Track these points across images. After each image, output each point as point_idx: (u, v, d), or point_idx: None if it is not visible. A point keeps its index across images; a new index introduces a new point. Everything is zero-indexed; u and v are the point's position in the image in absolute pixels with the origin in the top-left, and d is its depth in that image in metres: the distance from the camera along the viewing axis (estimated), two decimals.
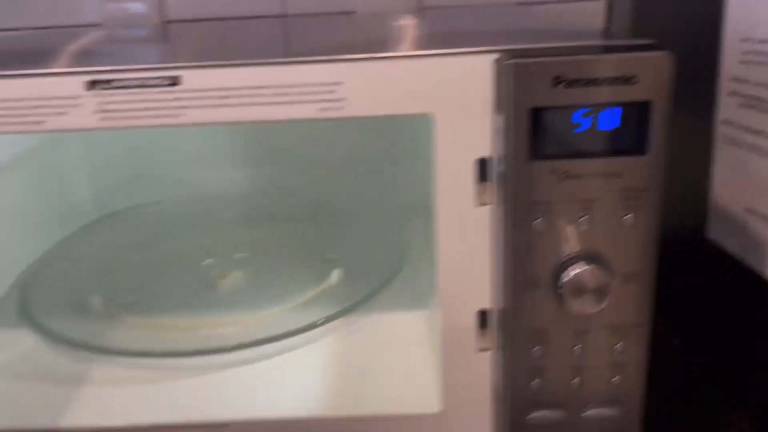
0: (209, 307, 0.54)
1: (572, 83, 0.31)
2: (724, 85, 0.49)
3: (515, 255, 0.35)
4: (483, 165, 0.36)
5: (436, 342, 0.47)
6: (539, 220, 0.34)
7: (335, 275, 0.56)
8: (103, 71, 0.35)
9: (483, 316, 0.39)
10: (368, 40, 0.42)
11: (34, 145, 0.62)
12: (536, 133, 0.33)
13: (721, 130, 0.50)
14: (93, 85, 0.35)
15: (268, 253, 0.62)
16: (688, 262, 0.56)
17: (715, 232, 0.52)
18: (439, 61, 0.34)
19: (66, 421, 0.42)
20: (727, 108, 0.49)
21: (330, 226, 0.67)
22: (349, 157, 0.73)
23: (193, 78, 0.35)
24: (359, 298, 0.51)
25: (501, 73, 0.33)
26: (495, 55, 0.34)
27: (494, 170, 0.35)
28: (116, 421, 0.42)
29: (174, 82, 0.35)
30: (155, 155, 0.74)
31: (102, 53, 0.46)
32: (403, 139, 0.72)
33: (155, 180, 0.74)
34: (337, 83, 0.35)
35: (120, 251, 0.64)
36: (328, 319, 0.49)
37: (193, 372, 0.46)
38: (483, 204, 0.36)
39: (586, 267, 0.34)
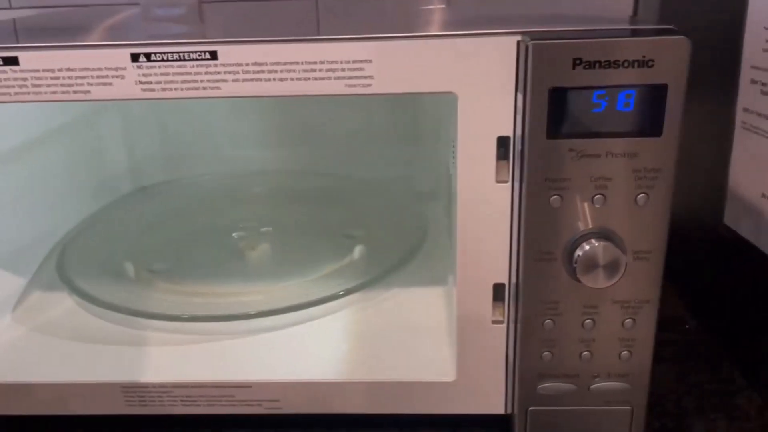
0: (237, 276, 0.56)
1: (591, 65, 0.33)
2: (745, 72, 0.50)
3: (531, 229, 0.36)
4: (504, 143, 0.37)
5: (453, 315, 0.49)
6: (555, 196, 0.35)
7: (357, 251, 0.58)
8: (146, 44, 0.37)
9: (498, 290, 0.40)
10: (396, 23, 0.43)
11: (74, 118, 0.65)
12: (555, 113, 0.34)
13: (740, 118, 0.51)
14: (136, 57, 0.37)
15: (293, 227, 0.64)
16: (704, 247, 0.57)
17: (731, 218, 0.53)
18: (464, 41, 0.36)
19: (97, 376, 0.45)
20: (747, 96, 0.50)
21: (354, 204, 0.69)
22: (375, 137, 0.75)
23: (230, 53, 0.37)
24: (379, 273, 0.53)
25: (522, 54, 0.34)
26: (517, 37, 0.35)
27: (515, 148, 0.37)
28: (145, 377, 0.45)
29: (212, 56, 0.37)
30: (188, 133, 0.76)
31: (143, 29, 0.48)
32: (427, 120, 0.74)
33: (188, 157, 0.77)
34: (365, 61, 0.36)
35: (153, 222, 0.67)
36: (349, 292, 0.51)
37: (219, 336, 0.49)
38: (502, 181, 0.38)
39: (600, 243, 0.35)
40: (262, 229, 0.63)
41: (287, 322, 0.50)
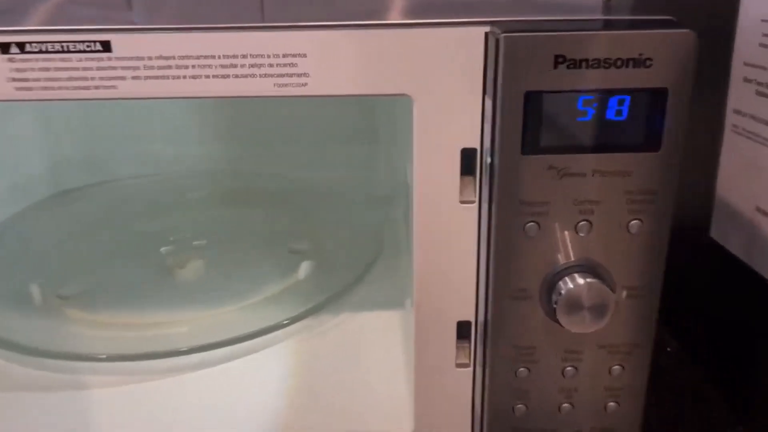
0: (163, 301, 0.49)
1: (577, 63, 0.26)
2: (738, 70, 0.44)
3: (502, 262, 0.30)
4: (469, 156, 0.31)
5: (411, 349, 0.43)
6: (531, 223, 0.29)
7: (304, 268, 0.51)
8: (19, 31, 0.29)
9: (463, 328, 0.34)
10: (343, 10, 0.36)
11: None
12: (532, 122, 0.28)
13: (730, 120, 0.45)
14: (6, 48, 0.29)
15: (231, 239, 0.57)
16: (687, 263, 0.52)
17: (718, 232, 0.48)
18: (420, 33, 0.29)
19: None
20: (739, 96, 0.44)
21: (300, 211, 0.61)
22: (325, 134, 0.68)
23: (128, 43, 0.29)
24: (328, 295, 0.46)
25: (492, 49, 0.28)
26: (485, 28, 0.29)
27: (483, 162, 0.30)
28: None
29: (104, 47, 0.29)
30: (114, 129, 0.68)
31: (23, 11, 0.39)
32: (384, 116, 0.67)
33: (114, 156, 0.68)
34: (298, 55, 0.29)
35: (70, 233, 0.58)
36: (293, 320, 0.44)
37: (141, 377, 0.41)
38: (468, 201, 0.31)
39: (584, 279, 0.29)
40: (195, 243, 0.56)
41: (220, 357, 0.43)
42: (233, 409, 0.39)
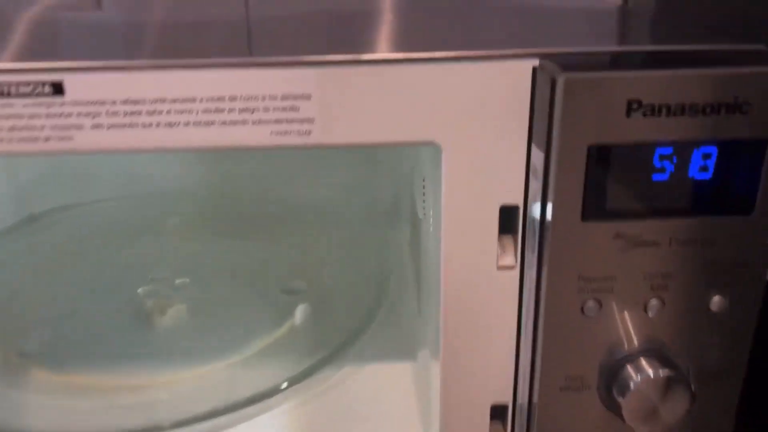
0: (141, 355, 0.43)
1: (655, 110, 0.21)
2: None
3: (555, 345, 0.25)
4: (509, 214, 0.25)
5: (426, 411, 0.37)
6: (592, 301, 0.24)
7: (300, 312, 0.45)
8: None
9: (498, 412, 0.29)
10: (352, 37, 0.30)
11: None
12: (596, 181, 0.22)
13: None
14: None
15: (217, 276, 0.51)
16: None
17: None
18: (450, 69, 0.23)
19: None
20: None
21: (295, 240, 0.55)
22: (319, 153, 0.62)
23: (85, 84, 0.23)
24: (330, 350, 0.41)
25: (544, 90, 0.22)
26: (533, 62, 0.23)
27: (527, 221, 0.25)
28: None
29: (56, 89, 0.23)
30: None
31: None
32: None
33: (86, 175, 0.62)
34: (300, 97, 0.24)
35: (32, 272, 0.52)
36: (292, 382, 0.38)
37: None
38: (507, 267, 0.26)
39: (656, 369, 0.24)
40: (177, 281, 0.50)
41: (207, 428, 0.37)
42: None
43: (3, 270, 0.52)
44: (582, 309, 0.24)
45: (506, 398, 0.28)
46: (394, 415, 0.38)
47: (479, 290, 0.27)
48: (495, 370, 0.28)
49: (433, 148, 0.27)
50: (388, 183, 0.61)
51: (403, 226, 0.56)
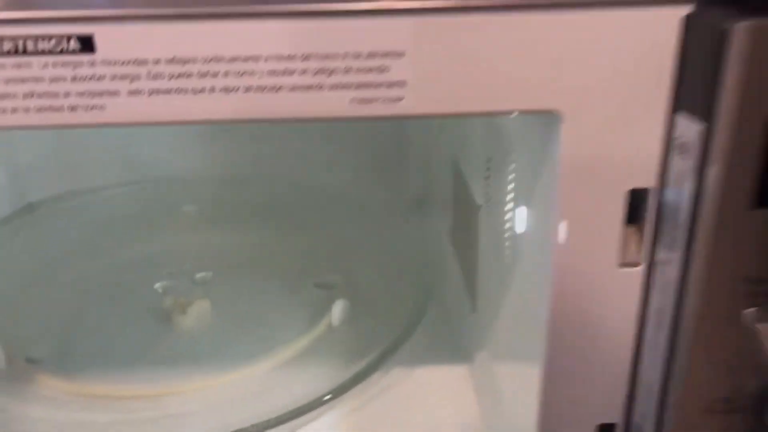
0: (161, 362, 0.38)
1: None
2: None
3: (704, 360, 0.20)
4: (638, 200, 0.21)
5: (491, 418, 0.33)
6: (755, 308, 0.19)
7: (337, 309, 0.41)
8: None
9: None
10: None
11: None
12: None
13: None
14: None
15: (241, 268, 0.46)
16: None
17: None
18: (575, 18, 0.19)
19: None
20: None
21: (323, 229, 0.50)
22: (351, 133, 0.57)
23: (121, 39, 0.18)
24: (376, 353, 0.36)
25: (706, 46, 0.18)
26: (683, 9, 0.18)
27: (668, 211, 0.20)
28: None
29: (84, 45, 0.18)
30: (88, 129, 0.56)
31: None
32: None
33: (88, 160, 0.57)
34: (392, 54, 0.19)
35: (35, 268, 0.47)
36: (336, 393, 0.34)
37: None
38: (631, 264, 0.22)
39: None
40: (198, 275, 0.45)
41: None
42: None
43: (2, 266, 0.47)
44: (740, 317, 0.19)
45: (615, 418, 0.24)
46: (451, 422, 0.34)
47: (594, 291, 0.22)
48: (605, 386, 0.23)
49: (528, 122, 0.23)
50: (419, 168, 0.56)
51: (437, 214, 0.51)
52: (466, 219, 0.40)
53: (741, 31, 0.17)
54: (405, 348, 0.38)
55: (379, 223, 0.50)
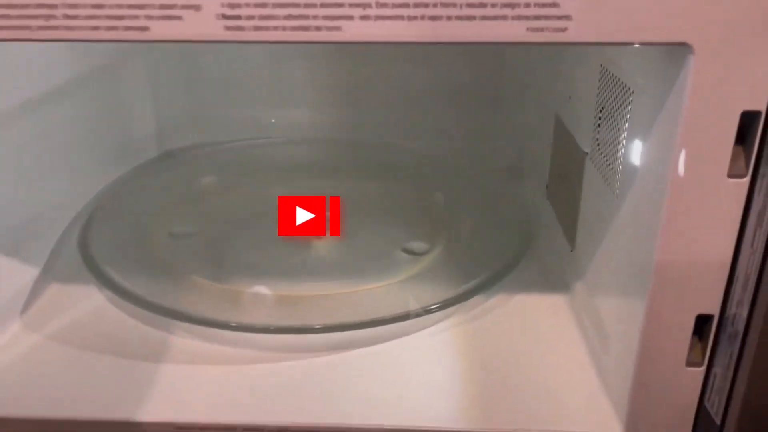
0: (296, 273, 0.45)
1: None
2: None
3: None
4: (749, 121, 0.26)
5: (591, 339, 0.38)
6: None
7: (436, 251, 0.47)
8: None
9: (702, 323, 0.29)
10: None
11: (96, 64, 0.52)
12: None
13: None
14: None
15: (360, 208, 0.53)
16: None
17: None
18: None
19: (143, 412, 0.34)
20: None
21: (431, 183, 0.57)
22: (450, 100, 0.63)
23: None
24: (482, 277, 0.42)
25: None
26: None
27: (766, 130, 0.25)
28: (204, 414, 0.34)
29: None
30: (223, 89, 0.64)
31: None
32: (511, 77, 0.62)
33: (222, 117, 0.65)
34: None
35: (187, 196, 0.55)
36: (445, 305, 0.40)
37: (275, 354, 0.38)
38: (738, 175, 0.27)
39: None
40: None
41: (357, 340, 0.39)
42: (405, 402, 0.35)
43: (160, 192, 0.55)
44: None
45: (712, 309, 0.29)
46: (553, 337, 0.39)
47: (706, 199, 0.27)
48: (707, 282, 0.29)
49: (650, 66, 0.28)
50: (512, 136, 0.62)
51: (530, 177, 0.57)
52: (568, 170, 0.45)
53: None
54: (511, 278, 0.43)
55: (482, 181, 0.56)
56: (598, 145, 0.39)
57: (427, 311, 0.40)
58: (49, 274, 0.44)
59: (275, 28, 0.25)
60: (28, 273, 0.43)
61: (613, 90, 0.36)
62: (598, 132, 0.39)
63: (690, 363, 0.30)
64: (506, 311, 0.42)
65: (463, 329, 0.40)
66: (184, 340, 0.39)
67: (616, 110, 0.35)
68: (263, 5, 0.25)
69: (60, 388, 0.35)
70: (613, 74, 0.36)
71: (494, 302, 0.43)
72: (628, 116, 0.33)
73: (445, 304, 0.40)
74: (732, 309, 0.28)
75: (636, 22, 0.25)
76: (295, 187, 0.54)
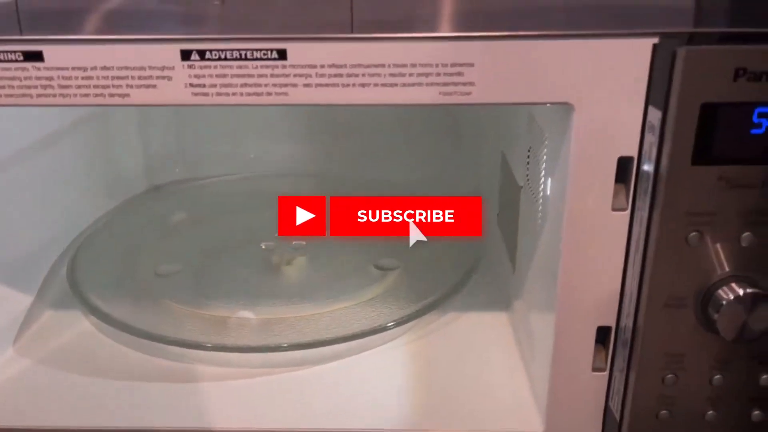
0: (266, 297, 0.50)
1: (758, 76, 0.27)
2: None
3: (661, 270, 0.30)
4: (625, 164, 0.31)
5: (524, 350, 0.44)
6: (695, 233, 0.29)
7: (399, 269, 0.52)
8: (200, 39, 0.30)
9: (602, 333, 0.35)
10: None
11: (86, 112, 0.58)
12: (705, 133, 0.28)
13: None
14: (187, 55, 0.30)
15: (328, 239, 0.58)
16: None
17: None
18: (586, 44, 0.30)
19: (124, 422, 0.39)
20: None
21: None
22: (415, 135, 0.69)
23: (303, 52, 0.30)
24: (434, 297, 0.47)
25: (663, 62, 0.28)
26: (653, 40, 0.29)
27: (639, 171, 0.31)
28: (187, 423, 0.39)
29: (280, 55, 0.30)
30: (208, 126, 0.70)
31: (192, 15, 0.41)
32: (468, 116, 0.68)
33: (207, 153, 0.70)
34: (465, 64, 0.30)
35: (173, 227, 0.60)
36: (399, 323, 0.45)
37: (245, 372, 0.43)
38: (620, 209, 0.32)
39: (746, 290, 0.29)
40: (295, 242, 0.57)
41: (325, 355, 0.44)
42: (340, 406, 0.40)
43: (146, 225, 0.60)
44: (686, 239, 0.30)
45: (610, 322, 0.34)
46: (494, 349, 0.45)
47: (596, 230, 0.33)
48: (602, 298, 0.34)
49: (555, 116, 0.33)
50: (470, 165, 0.67)
51: (486, 203, 0.62)
52: (510, 200, 0.51)
53: (682, 54, 0.27)
54: (460, 299, 0.48)
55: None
56: (528, 180, 0.44)
57: (384, 329, 0.45)
58: (40, 302, 0.49)
59: (233, 93, 0.31)
60: (22, 302, 0.48)
61: (536, 134, 0.41)
62: (528, 168, 0.44)
63: (595, 368, 0.35)
64: (456, 327, 0.47)
65: (419, 343, 0.46)
66: (164, 361, 0.44)
67: (538, 151, 0.41)
68: (223, 76, 0.30)
69: (50, 403, 0.40)
70: (536, 121, 0.41)
71: (447, 318, 0.48)
72: (545, 157, 0.39)
73: (401, 321, 0.45)
74: (623, 320, 0.33)
75: (525, 87, 0.30)
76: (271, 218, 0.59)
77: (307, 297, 0.49)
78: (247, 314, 0.47)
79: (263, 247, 0.56)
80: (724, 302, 0.29)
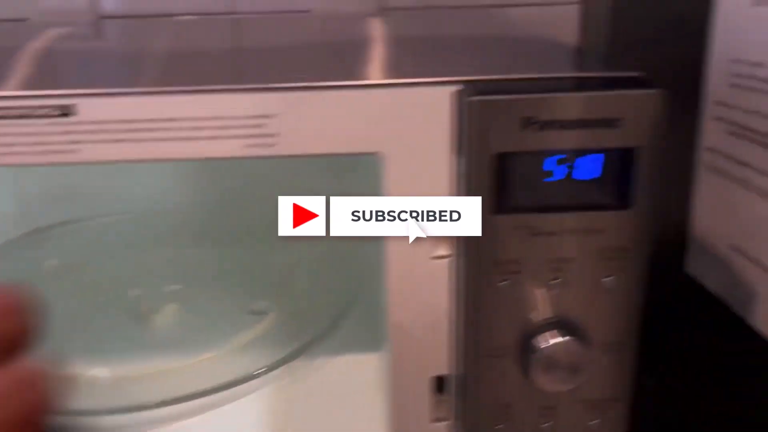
0: (127, 351, 0.47)
1: (545, 125, 0.26)
2: (709, 108, 0.44)
3: (477, 319, 0.30)
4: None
5: (386, 396, 0.42)
6: (505, 281, 0.29)
7: (273, 313, 0.50)
8: None
9: (440, 383, 0.34)
10: (309, 60, 0.36)
11: None
12: (502, 183, 0.27)
13: (704, 157, 0.46)
14: None
15: (204, 281, 0.56)
16: (664, 298, 0.52)
17: (695, 268, 0.48)
18: (389, 92, 0.29)
19: None
20: (711, 134, 0.44)
21: (274, 250, 0.60)
22: (296, 169, 0.67)
23: (89, 108, 0.28)
24: (305, 341, 0.46)
25: (462, 111, 0.28)
26: (454, 88, 0.28)
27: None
28: None
29: (66, 112, 0.28)
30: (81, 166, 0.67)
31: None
32: (349, 173, 0.67)
33: (82, 193, 0.67)
34: (266, 116, 0.29)
35: (35, 277, 0.57)
36: (269, 369, 0.43)
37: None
38: (441, 257, 0.31)
39: (559, 338, 0.29)
40: (168, 288, 0.55)
41: (193, 408, 0.42)
42: None
43: (10, 274, 0.57)
44: (497, 288, 0.29)
45: (447, 370, 0.33)
46: (359, 397, 0.43)
47: (418, 278, 0.32)
48: (433, 347, 0.33)
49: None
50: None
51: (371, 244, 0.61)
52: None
53: (475, 102, 0.27)
54: (331, 341, 0.47)
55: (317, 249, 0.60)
56: None
57: (254, 377, 0.43)
58: None
59: (18, 153, 0.29)
60: None
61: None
62: None
63: (435, 419, 0.34)
64: (326, 371, 0.46)
65: (289, 390, 0.44)
66: None
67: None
68: (5, 135, 0.28)
69: None
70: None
71: (320, 362, 0.47)
72: None
73: (270, 368, 0.44)
74: (461, 368, 0.32)
75: (332, 138, 0.29)
76: (148, 262, 0.56)
77: (172, 348, 0.47)
78: (100, 371, 0.45)
79: (130, 294, 0.54)
80: (537, 350, 0.29)
